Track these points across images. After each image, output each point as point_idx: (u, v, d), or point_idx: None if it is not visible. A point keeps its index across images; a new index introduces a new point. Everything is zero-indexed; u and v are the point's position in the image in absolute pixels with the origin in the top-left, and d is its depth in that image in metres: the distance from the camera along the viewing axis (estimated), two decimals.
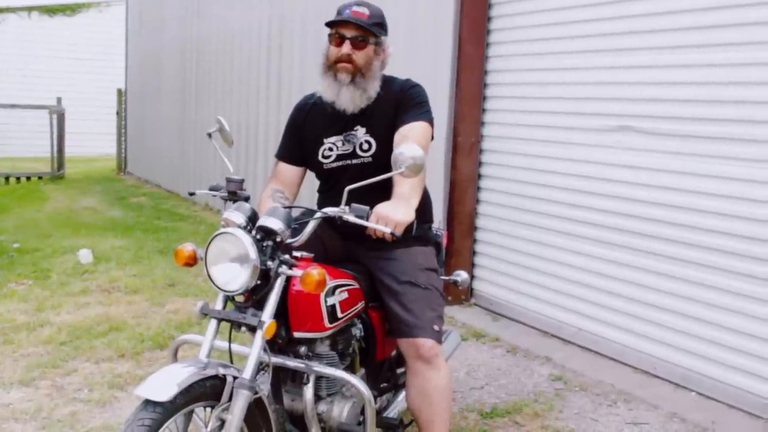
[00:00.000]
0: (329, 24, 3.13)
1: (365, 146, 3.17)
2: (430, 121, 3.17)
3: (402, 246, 3.14)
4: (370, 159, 3.17)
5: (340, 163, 3.22)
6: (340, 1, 3.19)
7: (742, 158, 4.35)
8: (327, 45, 3.17)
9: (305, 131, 3.30)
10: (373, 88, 3.15)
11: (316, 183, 3.42)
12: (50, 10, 22.21)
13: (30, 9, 21.92)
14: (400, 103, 3.15)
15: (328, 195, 3.23)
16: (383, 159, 2.84)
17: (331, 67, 3.12)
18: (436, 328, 3.12)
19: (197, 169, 12.24)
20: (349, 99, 3.11)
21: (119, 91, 17.37)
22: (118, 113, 17.38)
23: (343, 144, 3.20)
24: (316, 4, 8.22)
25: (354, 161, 3.19)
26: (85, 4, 22.67)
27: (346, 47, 3.09)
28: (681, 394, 4.61)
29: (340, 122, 3.19)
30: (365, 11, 3.10)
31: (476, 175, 6.33)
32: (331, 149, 3.22)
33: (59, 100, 16.19)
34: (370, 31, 3.11)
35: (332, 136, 3.22)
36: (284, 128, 3.42)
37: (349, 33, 3.09)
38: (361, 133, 3.17)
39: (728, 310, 4.45)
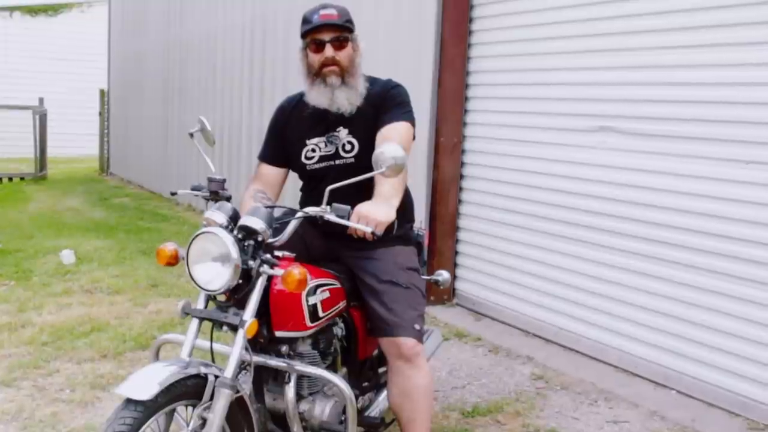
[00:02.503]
0: (304, 34, 3.15)
1: (348, 147, 3.18)
2: (412, 122, 3.18)
3: (383, 245, 3.15)
4: (352, 160, 3.18)
5: (323, 165, 3.23)
6: (320, 0, 3.21)
7: (724, 158, 4.38)
8: (304, 55, 3.18)
9: (288, 132, 3.31)
10: (361, 84, 3.18)
11: (299, 182, 3.43)
12: (32, 11, 22.13)
13: (12, 9, 21.82)
14: (382, 103, 3.17)
15: (311, 195, 3.24)
16: (366, 160, 2.85)
17: (318, 73, 3.13)
18: (417, 327, 3.13)
19: (180, 170, 12.22)
20: (344, 100, 3.12)
21: (102, 92, 17.34)
22: (100, 114, 17.35)
23: (326, 145, 3.21)
24: (298, 5, 8.21)
25: (337, 162, 3.20)
26: (67, 5, 22.60)
27: (328, 50, 3.10)
28: (661, 393, 4.65)
29: (323, 123, 3.21)
30: (333, 12, 3.12)
31: (458, 176, 6.35)
32: (314, 150, 3.23)
33: (41, 100, 16.13)
34: (345, 28, 3.13)
35: (315, 138, 3.23)
36: (267, 129, 3.43)
37: (326, 36, 3.10)
38: (343, 134, 3.19)
39: (708, 309, 4.49)
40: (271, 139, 3.39)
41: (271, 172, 3.36)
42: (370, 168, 2.70)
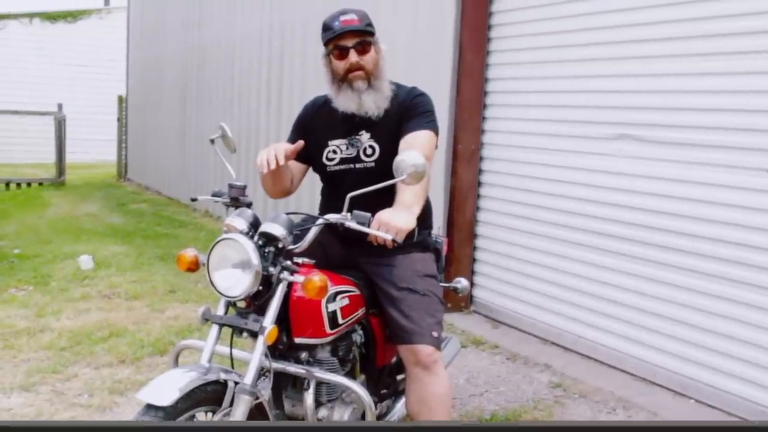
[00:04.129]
0: (326, 41, 3.16)
1: (369, 151, 3.19)
2: (435, 131, 3.19)
3: (401, 252, 3.15)
4: (373, 164, 3.18)
5: (343, 167, 3.24)
6: (339, 7, 3.21)
7: (744, 167, 4.36)
8: (328, 62, 3.19)
9: (311, 131, 3.31)
10: (387, 87, 3.20)
11: (317, 186, 3.43)
12: (51, 17, 22.27)
13: (31, 15, 21.98)
14: (406, 111, 3.17)
15: (331, 198, 3.26)
16: (386, 165, 2.86)
17: (344, 79, 3.14)
18: (435, 334, 3.13)
19: (198, 176, 12.26)
20: (372, 103, 3.14)
21: (120, 98, 17.40)
22: (118, 120, 17.41)
23: (348, 148, 3.22)
24: (316, 11, 8.23)
25: (357, 165, 3.21)
26: (86, 11, 22.73)
27: (353, 56, 3.11)
28: (680, 402, 4.62)
29: (346, 126, 3.22)
30: (353, 17, 3.12)
31: (476, 183, 6.35)
32: (335, 152, 3.24)
33: (60, 106, 16.21)
34: (367, 32, 3.14)
35: (337, 139, 3.24)
36: (292, 125, 3.44)
37: (349, 42, 3.11)
38: (365, 137, 3.19)
39: (727, 318, 4.46)
40: (295, 134, 3.37)
41: (292, 164, 3.34)
42: (390, 173, 2.71)
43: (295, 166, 3.33)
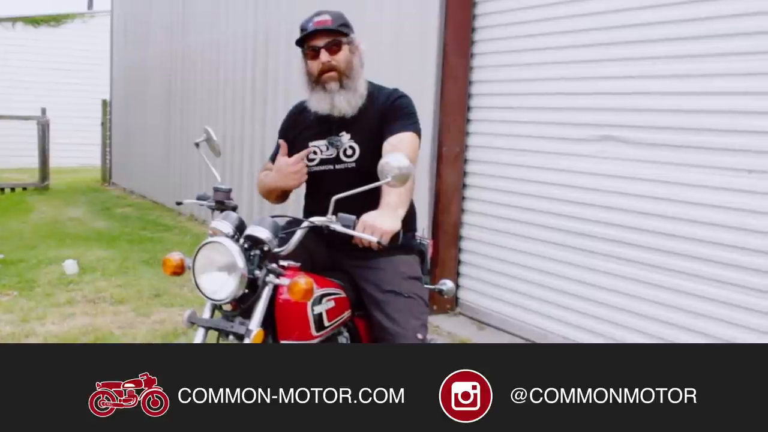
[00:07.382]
0: (299, 42, 3.18)
1: (349, 152, 3.20)
2: (418, 132, 3.20)
3: (385, 255, 3.15)
4: (353, 164, 3.19)
5: (323, 168, 3.24)
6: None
7: (726, 167, 4.40)
8: (304, 63, 3.22)
9: (293, 135, 3.33)
10: (362, 86, 3.20)
11: (301, 189, 3.44)
12: (34, 21, 22.14)
13: (14, 20, 21.85)
14: (387, 112, 3.18)
15: (313, 199, 3.29)
16: (366, 165, 2.88)
17: (317, 80, 3.16)
18: (419, 336, 3.13)
19: (182, 180, 12.23)
20: (345, 103, 3.14)
21: (104, 102, 17.35)
22: (102, 124, 17.35)
23: (327, 148, 3.23)
24: (300, 16, 8.22)
25: (338, 166, 3.22)
26: (69, 15, 22.61)
27: (324, 56, 3.13)
28: None
29: (325, 126, 3.23)
30: (327, 18, 3.15)
31: (461, 185, 6.37)
32: (315, 152, 3.25)
33: (44, 110, 16.14)
34: (338, 31, 3.16)
35: (317, 140, 3.25)
36: (278, 134, 3.46)
37: (320, 42, 3.14)
38: (345, 138, 3.20)
39: (714, 318, 4.50)
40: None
41: None
42: (370, 174, 2.71)
43: None
